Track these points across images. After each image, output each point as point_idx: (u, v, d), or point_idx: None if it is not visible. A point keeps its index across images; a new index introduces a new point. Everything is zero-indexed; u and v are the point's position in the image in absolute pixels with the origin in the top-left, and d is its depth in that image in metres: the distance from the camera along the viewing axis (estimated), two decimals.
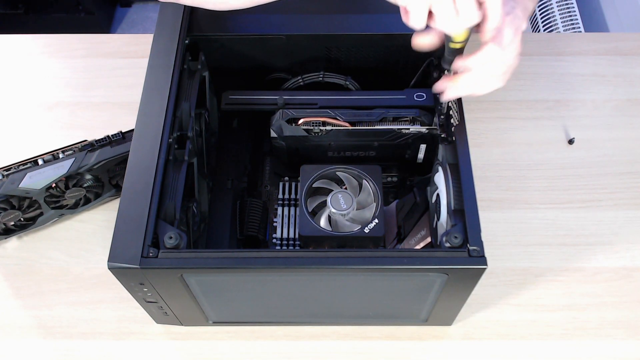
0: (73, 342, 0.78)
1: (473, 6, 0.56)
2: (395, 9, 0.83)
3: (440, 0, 0.55)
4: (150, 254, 0.59)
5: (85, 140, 0.82)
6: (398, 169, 0.83)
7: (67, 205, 0.84)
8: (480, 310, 0.80)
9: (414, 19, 0.58)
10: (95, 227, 0.87)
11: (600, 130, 0.96)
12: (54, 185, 0.80)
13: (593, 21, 1.52)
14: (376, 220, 0.70)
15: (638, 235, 0.86)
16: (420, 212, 0.78)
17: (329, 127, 0.75)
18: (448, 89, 0.64)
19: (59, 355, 0.77)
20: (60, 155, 0.80)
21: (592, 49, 1.05)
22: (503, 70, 0.61)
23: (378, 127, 0.75)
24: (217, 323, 0.77)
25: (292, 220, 0.79)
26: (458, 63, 0.62)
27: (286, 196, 0.81)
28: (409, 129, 0.75)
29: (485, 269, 0.59)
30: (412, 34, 0.75)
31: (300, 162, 0.76)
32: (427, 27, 0.59)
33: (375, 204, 0.72)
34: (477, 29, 0.59)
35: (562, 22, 1.42)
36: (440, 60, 0.76)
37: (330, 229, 0.72)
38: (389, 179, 0.83)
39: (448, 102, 0.71)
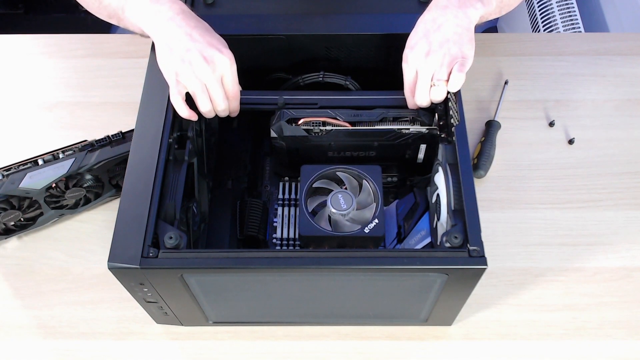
0: (73, 342, 0.78)
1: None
2: (396, 9, 0.83)
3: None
4: (150, 254, 0.59)
5: (85, 140, 0.82)
6: (398, 169, 0.83)
7: (67, 205, 0.84)
8: (480, 310, 0.80)
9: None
10: (95, 227, 0.87)
11: (600, 130, 0.96)
12: (54, 185, 0.80)
13: (593, 21, 1.51)
14: (376, 220, 0.70)
15: (638, 235, 0.86)
16: (420, 212, 0.78)
17: (329, 127, 0.75)
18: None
19: (59, 355, 0.77)
20: (60, 155, 0.80)
21: (592, 49, 1.05)
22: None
23: (378, 127, 0.75)
24: (217, 323, 0.77)
25: (292, 220, 0.79)
26: None
27: (286, 196, 0.81)
28: (409, 129, 0.75)
29: (485, 269, 0.59)
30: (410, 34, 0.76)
31: (300, 162, 0.76)
32: None
33: (375, 204, 0.72)
34: None
35: (562, 22, 1.42)
36: None
37: (330, 229, 0.72)
38: (389, 179, 0.83)
39: (448, 102, 0.71)
